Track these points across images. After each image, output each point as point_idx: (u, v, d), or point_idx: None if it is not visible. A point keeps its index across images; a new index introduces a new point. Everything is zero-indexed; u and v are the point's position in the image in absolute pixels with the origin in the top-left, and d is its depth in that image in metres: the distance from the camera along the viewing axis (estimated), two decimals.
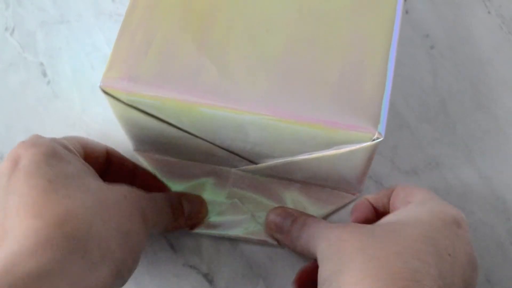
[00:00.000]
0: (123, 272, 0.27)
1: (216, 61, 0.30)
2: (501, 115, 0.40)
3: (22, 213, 0.25)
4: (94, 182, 0.28)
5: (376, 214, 0.34)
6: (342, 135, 0.28)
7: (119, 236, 0.27)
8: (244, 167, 0.36)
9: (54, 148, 0.28)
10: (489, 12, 0.44)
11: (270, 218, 0.34)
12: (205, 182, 0.37)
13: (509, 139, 0.39)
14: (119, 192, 0.29)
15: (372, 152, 0.30)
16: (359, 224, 0.30)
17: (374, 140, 0.28)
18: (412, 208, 0.30)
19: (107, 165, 0.34)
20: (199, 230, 0.35)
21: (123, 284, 0.28)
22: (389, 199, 0.33)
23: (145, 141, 0.35)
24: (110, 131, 0.40)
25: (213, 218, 0.36)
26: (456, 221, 0.28)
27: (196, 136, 0.32)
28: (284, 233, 0.33)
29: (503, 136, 0.40)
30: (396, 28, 0.31)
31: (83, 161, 0.30)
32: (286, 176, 0.36)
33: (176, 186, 0.36)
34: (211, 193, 0.36)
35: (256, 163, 0.35)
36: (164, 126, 0.31)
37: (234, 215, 0.36)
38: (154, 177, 0.36)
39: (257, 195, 0.36)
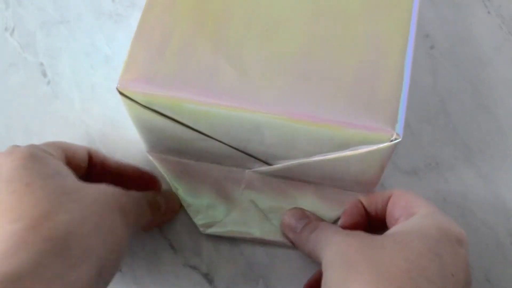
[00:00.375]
0: (105, 270, 0.27)
1: (232, 61, 0.30)
2: (501, 115, 0.40)
3: (1, 219, 0.25)
4: (72, 182, 0.28)
5: (368, 218, 0.33)
6: (359, 136, 0.28)
7: (99, 233, 0.27)
8: (258, 169, 0.36)
9: (31, 152, 0.28)
10: (489, 12, 0.44)
11: (285, 218, 0.35)
12: (219, 183, 0.37)
13: (509, 139, 0.39)
14: (97, 189, 0.29)
15: (390, 153, 0.29)
16: (368, 234, 0.29)
17: (392, 140, 0.28)
18: (419, 221, 0.29)
19: (90, 167, 0.34)
20: (212, 231, 0.35)
21: (105, 286, 0.28)
22: (384, 204, 0.32)
23: (160, 143, 0.35)
24: (110, 131, 0.40)
25: (226, 218, 0.36)
26: (459, 240, 0.29)
27: (212, 138, 0.32)
28: (296, 234, 0.33)
29: (503, 136, 0.40)
30: (413, 27, 0.30)
31: (61, 162, 0.30)
32: (300, 177, 0.36)
33: (187, 187, 0.36)
34: (224, 194, 0.36)
35: (270, 164, 0.35)
36: (180, 127, 0.31)
37: (247, 215, 0.36)
38: (139, 175, 0.36)
39: (271, 196, 0.36)
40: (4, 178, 0.27)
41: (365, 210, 0.33)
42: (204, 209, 0.36)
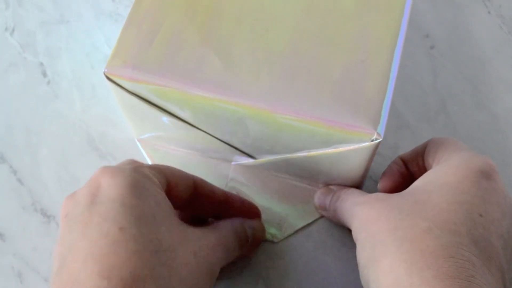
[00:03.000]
0: None
1: (220, 54, 0.30)
2: (501, 115, 0.40)
3: (90, 265, 0.24)
4: (167, 234, 0.26)
5: (410, 177, 0.32)
6: (341, 134, 0.28)
7: None
8: (244, 162, 0.36)
9: (136, 180, 0.27)
10: (489, 12, 0.44)
11: (315, 199, 0.36)
12: (205, 174, 0.37)
13: (509, 139, 0.39)
14: (190, 248, 0.27)
15: (372, 153, 0.30)
16: (386, 196, 0.29)
17: (373, 140, 0.28)
18: (438, 170, 0.29)
19: (192, 198, 0.31)
20: None
21: None
22: (423, 158, 0.32)
23: (147, 130, 0.36)
24: (110, 131, 0.40)
25: None
26: (484, 173, 0.27)
27: (197, 128, 0.32)
28: (326, 210, 0.35)
29: (503, 136, 0.40)
30: (403, 29, 0.31)
31: (162, 194, 0.28)
32: (285, 172, 0.36)
33: None
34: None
35: (255, 158, 0.35)
36: (166, 115, 0.31)
37: None
38: (247, 205, 0.35)
39: (255, 190, 0.37)
40: (100, 211, 0.25)
41: (407, 168, 0.33)
42: None
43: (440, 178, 0.28)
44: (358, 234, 0.28)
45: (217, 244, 0.29)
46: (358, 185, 0.36)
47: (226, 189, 0.36)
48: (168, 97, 0.30)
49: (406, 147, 0.39)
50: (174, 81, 0.29)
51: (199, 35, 0.30)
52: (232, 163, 0.37)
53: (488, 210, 0.26)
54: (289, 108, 0.29)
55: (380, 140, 0.28)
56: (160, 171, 0.29)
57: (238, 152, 0.35)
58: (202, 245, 0.28)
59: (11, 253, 0.36)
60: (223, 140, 0.33)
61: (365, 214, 0.28)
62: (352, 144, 0.29)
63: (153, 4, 0.31)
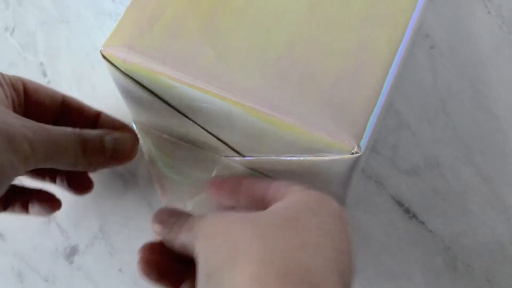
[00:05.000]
0: None
1: (216, 47, 0.30)
2: (501, 115, 0.40)
3: None
4: None
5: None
6: (322, 141, 0.28)
7: None
8: (231, 158, 0.36)
9: None
10: (489, 12, 0.44)
11: (154, 218, 0.31)
12: (193, 165, 0.37)
13: (509, 139, 0.39)
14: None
15: (351, 166, 0.29)
16: (249, 212, 0.27)
17: (353, 153, 0.28)
18: (301, 196, 0.28)
19: (63, 113, 0.34)
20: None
21: None
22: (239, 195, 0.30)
23: (141, 113, 0.36)
24: None
25: (190, 200, 0.36)
26: (341, 217, 0.27)
27: (187, 117, 0.32)
28: (167, 230, 0.30)
29: (503, 136, 0.40)
30: (403, 45, 0.30)
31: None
32: (271, 174, 0.36)
33: (165, 161, 0.37)
34: (195, 177, 0.37)
35: (243, 156, 0.35)
36: (157, 101, 0.32)
37: (208, 202, 0.36)
38: (119, 125, 0.35)
39: None
40: None
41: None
42: (175, 185, 0.36)
43: (306, 204, 0.27)
44: (212, 240, 0.25)
45: (35, 129, 0.29)
46: (341, 198, 0.35)
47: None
48: (160, 82, 0.30)
49: (406, 147, 0.39)
50: (167, 68, 0.29)
51: (199, 26, 0.31)
52: (222, 157, 0.37)
53: (346, 249, 0.26)
54: (274, 108, 0.29)
55: (360, 154, 0.27)
56: (18, 78, 0.32)
57: (226, 147, 0.35)
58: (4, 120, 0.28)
59: (11, 253, 0.36)
60: (211, 132, 0.34)
61: (226, 219, 0.26)
62: (333, 154, 0.29)
63: None
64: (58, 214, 0.37)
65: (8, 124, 0.28)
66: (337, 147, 0.28)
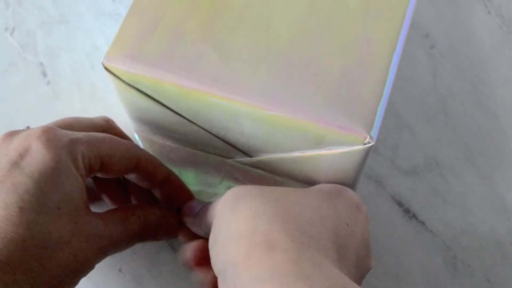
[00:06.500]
0: None
1: (219, 49, 0.30)
2: (501, 115, 0.40)
3: None
4: (64, 224, 0.27)
5: None
6: (333, 135, 0.28)
7: None
8: (239, 159, 0.36)
9: (59, 165, 0.27)
10: (489, 12, 0.44)
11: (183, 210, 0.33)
12: (200, 169, 0.37)
13: (509, 139, 0.39)
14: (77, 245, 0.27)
15: (364, 156, 0.30)
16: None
17: (365, 143, 0.28)
18: (320, 186, 0.30)
19: (134, 171, 0.32)
20: None
21: None
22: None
23: (145, 123, 0.36)
24: None
25: None
26: (357, 205, 0.29)
27: (193, 123, 0.32)
28: (194, 216, 0.32)
29: (503, 136, 0.40)
30: (403, 34, 0.31)
31: (81, 187, 0.28)
32: (280, 172, 0.36)
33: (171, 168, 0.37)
34: (204, 181, 0.37)
35: (251, 156, 0.35)
36: (163, 109, 0.32)
37: None
38: (182, 187, 0.34)
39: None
40: (16, 180, 0.26)
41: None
42: None
43: (319, 188, 0.29)
44: (221, 206, 0.27)
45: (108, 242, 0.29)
46: (351, 188, 0.36)
47: (221, 185, 0.36)
48: (165, 90, 0.30)
49: (406, 147, 0.39)
50: (171, 75, 0.29)
51: (199, 29, 0.31)
52: (228, 160, 0.37)
53: (354, 228, 0.27)
54: (283, 106, 0.29)
55: (373, 143, 0.28)
56: (96, 148, 0.29)
57: (233, 149, 0.35)
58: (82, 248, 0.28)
59: None
60: (218, 136, 0.33)
61: (233, 191, 0.27)
62: (345, 147, 0.29)
63: None
64: None
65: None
66: (349, 139, 0.28)
